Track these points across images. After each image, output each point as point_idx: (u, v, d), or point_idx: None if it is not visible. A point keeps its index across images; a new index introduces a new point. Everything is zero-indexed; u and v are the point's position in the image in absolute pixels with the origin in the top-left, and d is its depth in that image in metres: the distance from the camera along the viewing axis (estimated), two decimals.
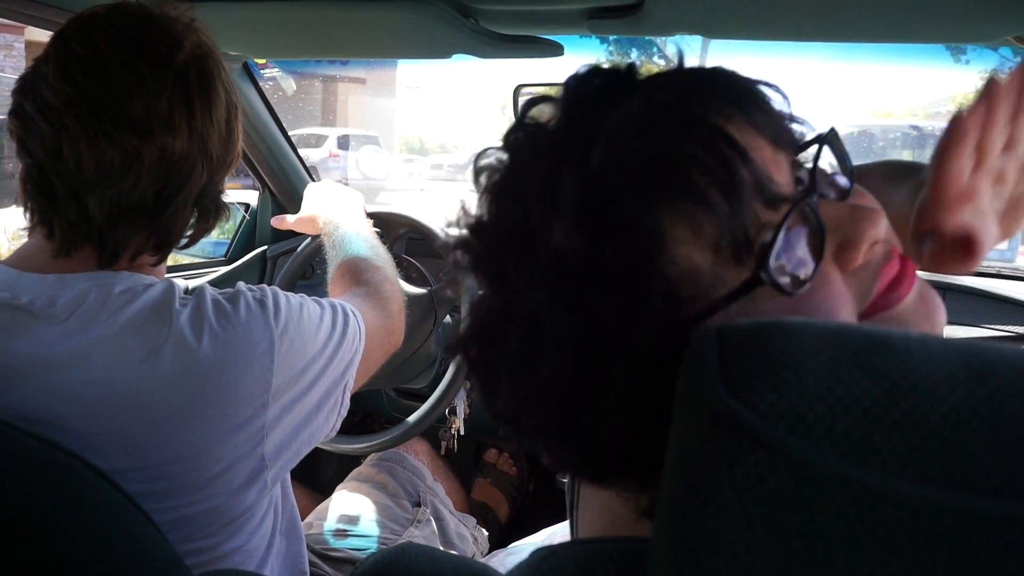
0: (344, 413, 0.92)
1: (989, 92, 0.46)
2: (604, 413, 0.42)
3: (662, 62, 0.53)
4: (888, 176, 0.59)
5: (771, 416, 0.28)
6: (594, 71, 0.47)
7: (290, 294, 0.87)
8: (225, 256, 2.04)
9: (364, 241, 1.21)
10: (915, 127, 6.96)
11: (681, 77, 0.46)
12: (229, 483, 0.77)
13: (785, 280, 0.41)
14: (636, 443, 0.41)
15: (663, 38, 1.21)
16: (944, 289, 1.64)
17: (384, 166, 13.89)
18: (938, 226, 0.47)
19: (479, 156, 0.47)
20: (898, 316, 0.43)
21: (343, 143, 13.13)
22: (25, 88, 0.78)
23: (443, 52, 1.26)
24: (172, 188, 0.79)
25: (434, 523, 1.44)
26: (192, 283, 1.88)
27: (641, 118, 0.42)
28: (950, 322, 1.60)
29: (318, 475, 2.02)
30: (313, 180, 1.93)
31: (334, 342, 0.88)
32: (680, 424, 0.32)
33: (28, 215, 0.80)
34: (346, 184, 1.41)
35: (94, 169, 0.75)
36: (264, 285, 0.85)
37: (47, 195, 0.77)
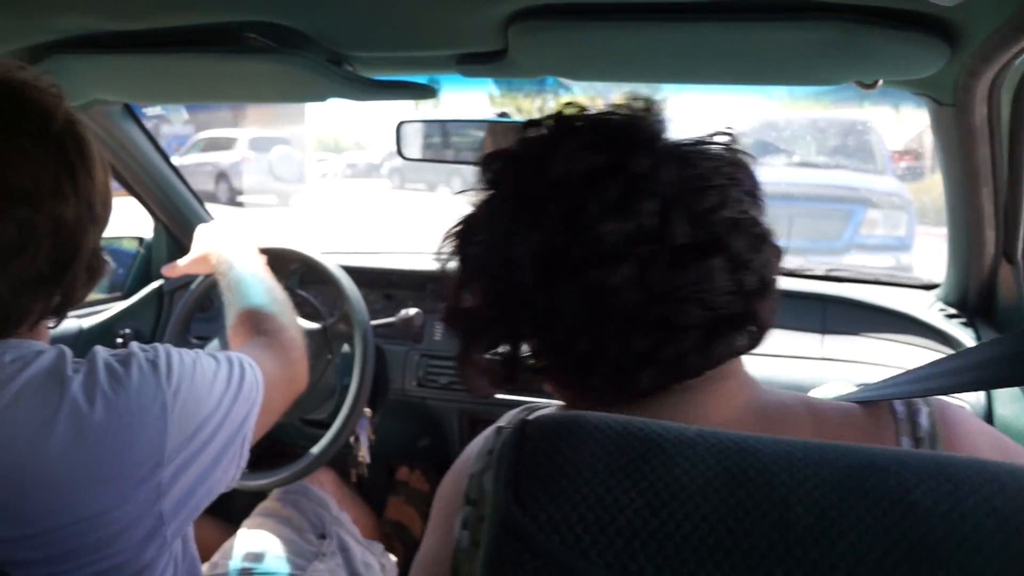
0: (244, 464, 0.94)
1: None
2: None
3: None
4: None
5: (548, 527, 0.31)
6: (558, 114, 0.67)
7: (184, 351, 0.88)
8: (121, 291, 2.00)
9: (260, 283, 1.22)
10: (813, 120, 7.50)
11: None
12: (128, 541, 0.78)
13: None
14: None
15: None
16: (824, 300, 1.72)
17: (297, 167, 13.60)
18: None
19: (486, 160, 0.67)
20: None
21: (255, 145, 12.80)
22: None
23: (318, 96, 1.28)
24: (67, 256, 0.80)
25: (339, 555, 1.47)
26: (87, 321, 1.85)
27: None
28: (833, 331, 1.68)
29: (228, 506, 2.01)
30: (205, 209, 1.93)
31: (230, 397, 0.89)
32: (486, 524, 0.35)
33: None
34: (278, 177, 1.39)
35: None
36: (157, 344, 0.86)
37: None
